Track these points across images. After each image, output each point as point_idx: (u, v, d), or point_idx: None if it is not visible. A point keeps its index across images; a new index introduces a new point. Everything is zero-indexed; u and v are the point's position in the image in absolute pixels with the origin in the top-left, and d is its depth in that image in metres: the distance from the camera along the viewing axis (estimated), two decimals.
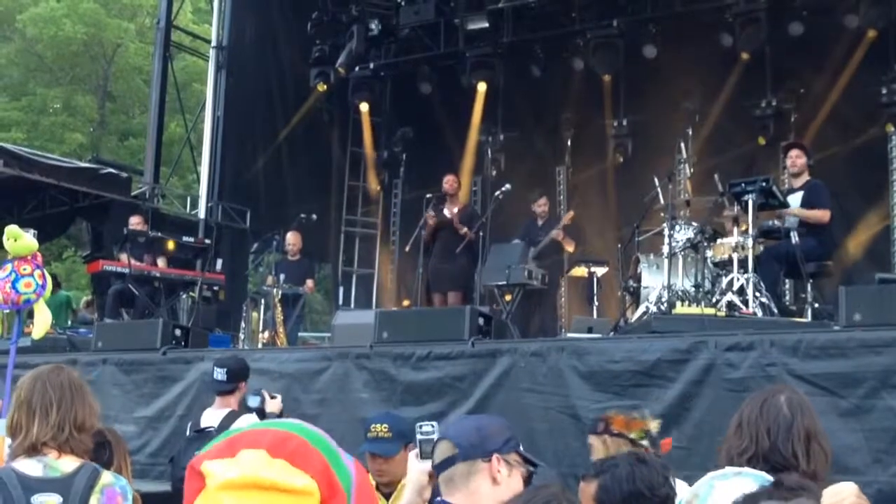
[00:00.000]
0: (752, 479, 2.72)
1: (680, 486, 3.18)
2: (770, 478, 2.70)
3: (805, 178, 8.62)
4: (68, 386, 3.23)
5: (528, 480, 2.77)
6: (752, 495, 1.96)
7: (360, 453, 4.12)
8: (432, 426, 2.94)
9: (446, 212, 11.21)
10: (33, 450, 3.12)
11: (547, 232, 11.06)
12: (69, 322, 13.13)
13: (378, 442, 4.23)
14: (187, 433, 5.99)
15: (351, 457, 1.71)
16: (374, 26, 14.77)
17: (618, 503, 2.74)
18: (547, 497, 2.20)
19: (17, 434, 3.16)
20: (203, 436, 5.64)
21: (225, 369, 5.79)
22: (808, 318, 7.86)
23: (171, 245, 11.10)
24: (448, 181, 11.34)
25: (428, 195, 11.29)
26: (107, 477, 3.15)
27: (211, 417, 5.74)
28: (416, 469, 2.96)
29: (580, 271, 11.05)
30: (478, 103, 14.61)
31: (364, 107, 15.34)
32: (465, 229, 10.94)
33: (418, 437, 2.96)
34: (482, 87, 14.48)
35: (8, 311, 5.10)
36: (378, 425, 4.29)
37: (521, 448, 2.80)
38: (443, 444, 2.76)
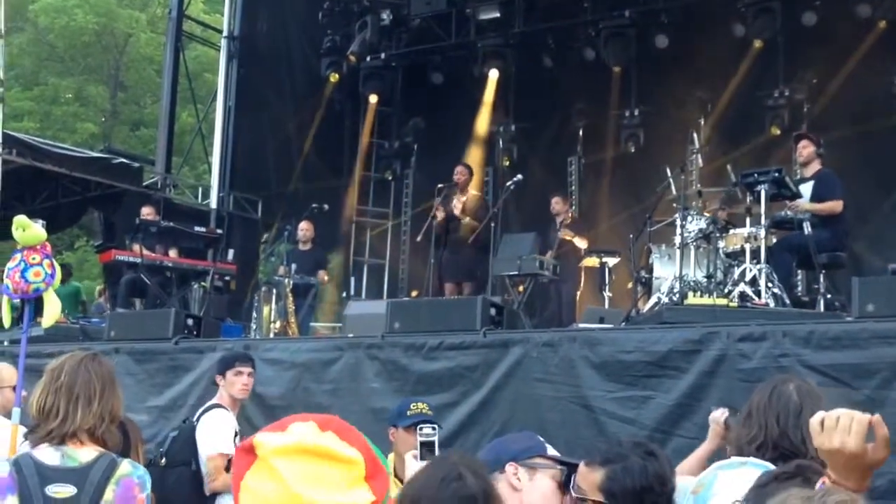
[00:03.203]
0: (756, 470, 2.71)
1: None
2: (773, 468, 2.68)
3: (816, 167, 8.55)
4: (108, 376, 3.22)
5: (566, 480, 2.76)
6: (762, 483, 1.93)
7: (408, 427, 4.25)
8: (433, 428, 2.91)
9: (455, 202, 11.16)
10: (68, 437, 3.06)
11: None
12: (79, 312, 13.17)
13: (424, 416, 4.33)
14: None
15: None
16: (386, 16, 14.76)
17: (628, 495, 2.66)
18: (447, 469, 2.07)
19: (51, 419, 3.08)
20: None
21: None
22: (821, 309, 7.83)
23: None
24: (458, 171, 11.32)
25: (439, 185, 11.28)
26: (125, 467, 3.10)
27: None
28: (414, 471, 2.95)
29: (592, 261, 11.03)
30: (489, 94, 14.59)
31: (373, 98, 15.33)
32: (469, 219, 10.90)
33: (419, 438, 2.88)
34: (493, 77, 14.45)
35: (18, 300, 5.10)
36: (420, 403, 4.44)
37: (548, 451, 2.80)
38: None
